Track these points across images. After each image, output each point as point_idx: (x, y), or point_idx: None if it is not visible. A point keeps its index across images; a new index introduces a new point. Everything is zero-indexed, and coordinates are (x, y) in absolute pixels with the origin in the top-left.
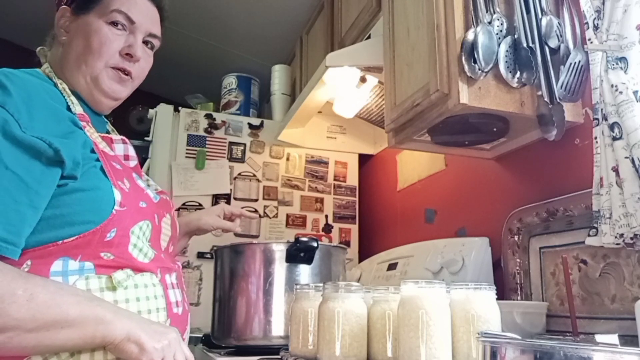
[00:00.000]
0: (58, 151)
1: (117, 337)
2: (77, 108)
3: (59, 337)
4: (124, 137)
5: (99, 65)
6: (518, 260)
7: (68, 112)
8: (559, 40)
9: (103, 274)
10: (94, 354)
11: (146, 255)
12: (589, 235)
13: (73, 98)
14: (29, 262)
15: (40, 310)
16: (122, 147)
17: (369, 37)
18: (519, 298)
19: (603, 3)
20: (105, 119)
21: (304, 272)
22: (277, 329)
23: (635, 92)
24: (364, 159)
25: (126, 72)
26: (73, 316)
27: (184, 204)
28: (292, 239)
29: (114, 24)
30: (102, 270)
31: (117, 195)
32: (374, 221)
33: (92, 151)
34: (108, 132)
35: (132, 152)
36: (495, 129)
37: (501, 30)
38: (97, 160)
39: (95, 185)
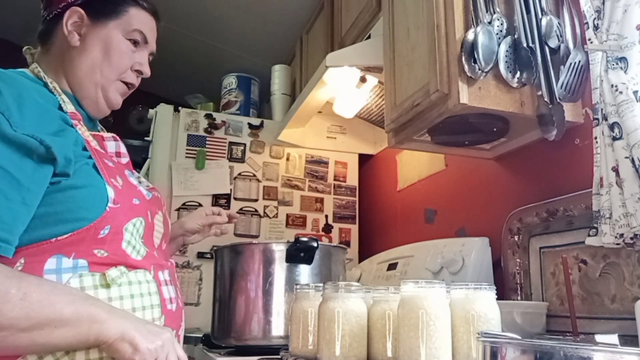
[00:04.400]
0: (49, 148)
1: (111, 336)
2: (69, 107)
3: (53, 336)
4: (114, 135)
5: (113, 77)
6: (518, 260)
7: (59, 111)
8: (559, 40)
9: (97, 272)
10: (89, 353)
11: (139, 252)
12: (589, 235)
13: (64, 97)
14: (22, 260)
15: (34, 309)
16: (113, 145)
17: (369, 37)
18: (519, 298)
19: (603, 3)
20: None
21: (304, 272)
22: (277, 329)
23: (635, 92)
24: (364, 159)
25: (131, 86)
26: (67, 315)
27: (184, 204)
28: (292, 239)
29: (132, 41)
30: (96, 268)
31: (110, 193)
32: (374, 221)
33: (84, 149)
34: (98, 131)
35: (123, 149)
36: (495, 129)
37: (501, 30)
38: (90, 157)
39: (88, 182)
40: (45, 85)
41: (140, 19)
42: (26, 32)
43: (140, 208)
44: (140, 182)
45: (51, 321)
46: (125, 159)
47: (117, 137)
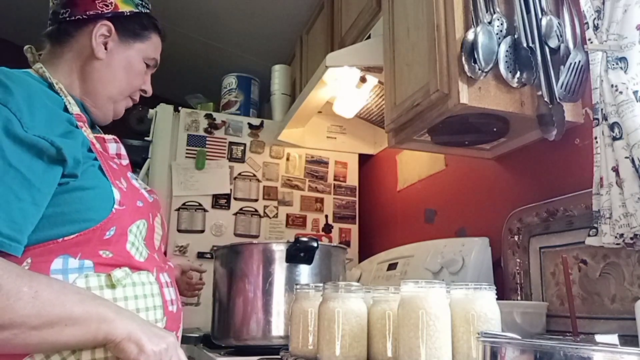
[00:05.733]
0: (60, 150)
1: (119, 336)
2: (75, 108)
3: (63, 335)
4: (115, 137)
5: (126, 94)
6: (518, 260)
7: (65, 113)
8: (559, 40)
9: (102, 272)
10: (94, 352)
11: (142, 254)
12: (589, 235)
13: (70, 98)
14: (29, 260)
15: (45, 307)
16: (114, 146)
17: (369, 37)
18: (519, 298)
19: (603, 3)
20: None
21: (304, 272)
22: (277, 329)
23: (635, 92)
24: (364, 159)
25: (134, 102)
26: (77, 314)
27: (184, 204)
28: (292, 239)
29: (147, 65)
30: (101, 269)
31: (116, 194)
32: (374, 221)
33: (90, 150)
34: (98, 132)
35: (123, 151)
36: (495, 129)
37: (501, 30)
38: (95, 159)
39: (95, 184)
40: (50, 86)
41: (157, 46)
42: (27, 32)
43: (144, 210)
44: (139, 184)
45: (62, 320)
46: (126, 161)
47: (118, 139)
